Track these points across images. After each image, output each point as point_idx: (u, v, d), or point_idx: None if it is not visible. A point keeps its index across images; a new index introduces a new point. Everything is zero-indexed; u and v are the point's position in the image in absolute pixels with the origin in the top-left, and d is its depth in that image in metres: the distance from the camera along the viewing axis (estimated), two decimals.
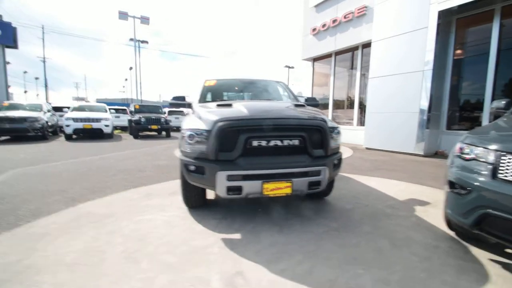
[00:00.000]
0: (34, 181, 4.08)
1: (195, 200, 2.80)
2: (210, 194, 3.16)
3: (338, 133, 2.68)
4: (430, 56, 6.24)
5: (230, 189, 2.25)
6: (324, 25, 9.89)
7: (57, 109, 14.02)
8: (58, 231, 2.36)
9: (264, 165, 2.27)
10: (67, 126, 9.97)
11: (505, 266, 1.87)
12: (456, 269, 1.84)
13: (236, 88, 3.99)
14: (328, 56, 10.32)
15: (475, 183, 1.73)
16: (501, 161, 1.65)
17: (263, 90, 3.97)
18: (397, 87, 6.90)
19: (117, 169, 5.02)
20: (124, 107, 16.45)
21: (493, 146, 1.73)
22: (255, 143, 2.27)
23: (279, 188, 2.28)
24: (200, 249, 2.06)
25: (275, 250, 2.07)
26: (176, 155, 6.83)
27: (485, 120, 6.03)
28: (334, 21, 9.44)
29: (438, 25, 6.06)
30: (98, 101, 30.28)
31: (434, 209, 2.98)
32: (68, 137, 10.24)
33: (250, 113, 2.37)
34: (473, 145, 1.89)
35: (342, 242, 2.21)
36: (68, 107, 12.80)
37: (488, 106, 5.97)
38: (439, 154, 6.84)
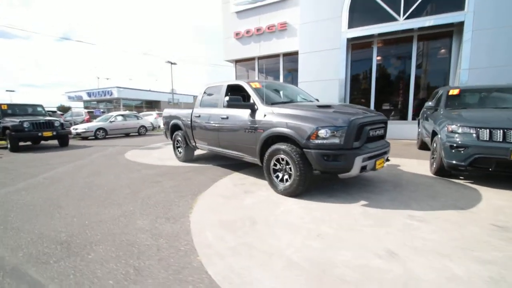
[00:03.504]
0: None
1: (306, 186, 3.30)
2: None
3: None
4: (342, 69, 8.87)
5: (362, 168, 3.07)
6: (248, 32, 11.02)
7: None
8: (247, 239, 2.32)
9: (375, 148, 3.24)
10: None
11: (472, 184, 3.85)
12: (457, 188, 3.61)
13: (277, 90, 4.49)
14: (251, 59, 11.58)
15: (470, 143, 3.53)
16: (480, 131, 3.51)
17: (296, 92, 4.77)
18: (321, 90, 9.16)
19: (122, 184, 4.11)
20: None
21: (473, 124, 3.58)
22: (371, 133, 3.20)
23: (380, 164, 3.34)
24: (386, 218, 2.80)
25: (398, 202, 3.12)
26: (143, 161, 6.01)
27: None
28: (258, 29, 10.77)
29: (346, 47, 8.73)
30: None
31: (407, 167, 4.93)
32: None
33: (364, 112, 3.26)
34: (459, 125, 3.72)
35: (409, 191, 3.55)
36: None
37: (373, 104, 9.29)
38: None
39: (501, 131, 3.37)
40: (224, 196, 3.52)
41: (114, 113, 14.68)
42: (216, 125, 4.56)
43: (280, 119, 3.42)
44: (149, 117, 18.97)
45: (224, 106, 4.12)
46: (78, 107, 32.54)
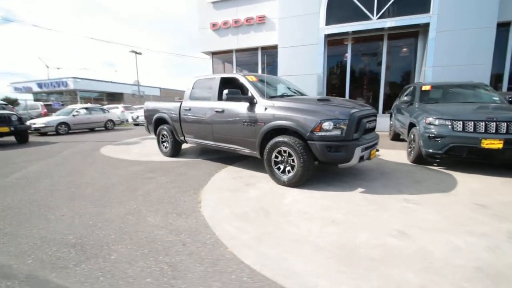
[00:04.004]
0: None
1: (309, 176, 3.45)
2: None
3: None
4: (320, 64, 9.19)
5: (360, 158, 3.30)
6: (225, 23, 10.79)
7: None
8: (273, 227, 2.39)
9: (370, 139, 3.50)
10: None
11: (446, 169, 4.36)
12: (435, 174, 4.08)
13: (270, 84, 4.53)
14: (229, 51, 11.39)
15: (446, 134, 3.99)
16: (454, 123, 3.98)
17: (287, 85, 4.91)
18: (299, 84, 9.24)
19: (112, 182, 3.88)
20: None
21: (449, 117, 4.04)
22: (367, 125, 3.44)
23: (373, 154, 3.63)
24: (373, 202, 3.05)
25: (390, 188, 3.43)
26: (126, 158, 5.70)
27: None
28: (236, 21, 10.60)
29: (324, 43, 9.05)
30: None
31: (386, 157, 5.38)
32: None
33: (359, 106, 3.48)
34: (435, 118, 4.16)
35: (396, 178, 3.92)
36: None
37: (347, 96, 9.82)
38: None
39: (472, 122, 3.86)
40: (227, 189, 3.53)
41: (77, 106, 13.46)
42: (210, 118, 4.49)
43: (282, 112, 3.51)
44: (115, 110, 17.76)
45: (223, 99, 4.06)
46: (28, 99, 29.06)
